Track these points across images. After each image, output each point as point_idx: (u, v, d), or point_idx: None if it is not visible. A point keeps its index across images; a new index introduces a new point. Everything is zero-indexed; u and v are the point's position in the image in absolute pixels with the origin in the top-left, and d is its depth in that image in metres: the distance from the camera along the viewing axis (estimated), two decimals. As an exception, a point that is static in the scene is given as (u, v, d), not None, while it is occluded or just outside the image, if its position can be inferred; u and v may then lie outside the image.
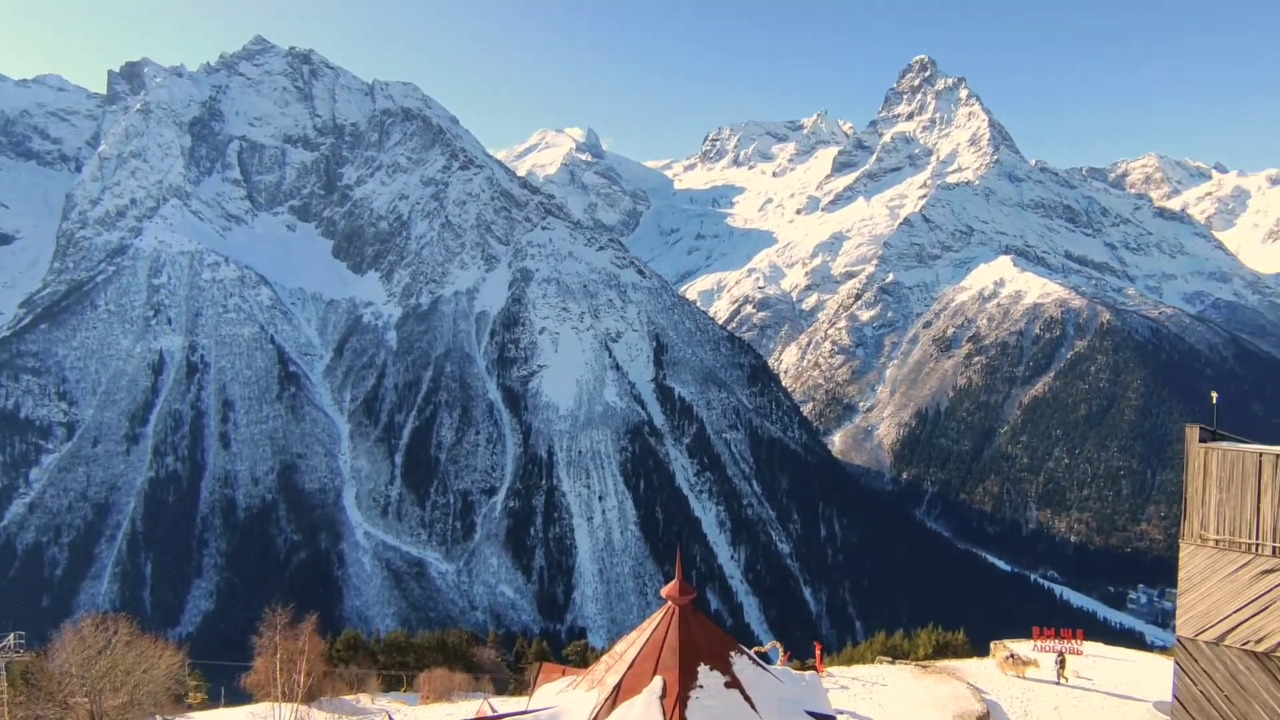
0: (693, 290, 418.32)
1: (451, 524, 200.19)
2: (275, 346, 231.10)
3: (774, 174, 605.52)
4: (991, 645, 37.78)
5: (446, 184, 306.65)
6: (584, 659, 55.50)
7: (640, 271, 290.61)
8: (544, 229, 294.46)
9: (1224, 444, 20.49)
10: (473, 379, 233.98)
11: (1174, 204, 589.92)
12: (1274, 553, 19.05)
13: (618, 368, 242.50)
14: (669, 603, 17.97)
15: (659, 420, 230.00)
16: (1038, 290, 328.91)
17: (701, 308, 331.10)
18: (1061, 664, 33.39)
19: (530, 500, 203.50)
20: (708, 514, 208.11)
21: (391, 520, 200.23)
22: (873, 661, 39.04)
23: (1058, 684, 32.78)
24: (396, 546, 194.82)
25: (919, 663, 37.37)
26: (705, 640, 17.69)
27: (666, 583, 18.12)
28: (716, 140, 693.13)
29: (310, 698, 35.72)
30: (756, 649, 31.17)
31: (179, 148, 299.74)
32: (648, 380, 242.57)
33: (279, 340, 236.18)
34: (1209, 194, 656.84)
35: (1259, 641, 19.08)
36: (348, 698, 40.67)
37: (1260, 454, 19.46)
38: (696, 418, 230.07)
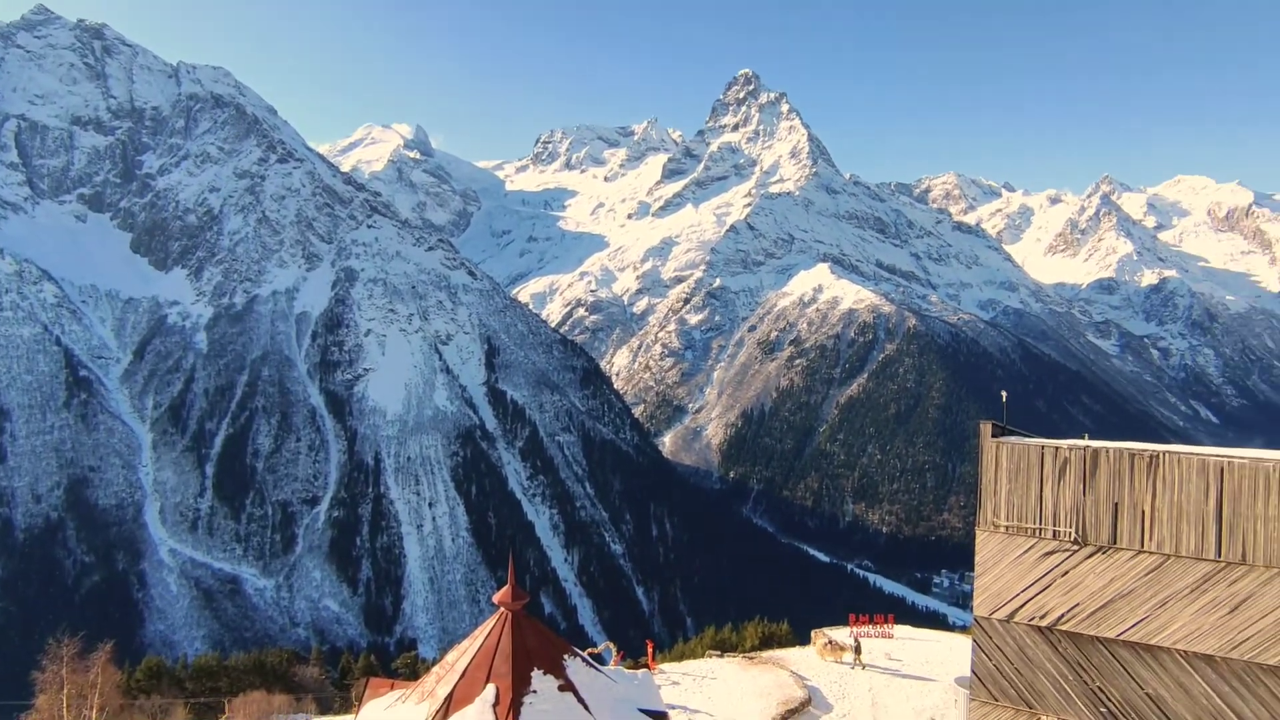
0: (525, 293, 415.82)
1: (270, 537, 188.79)
2: (62, 349, 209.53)
3: (606, 178, 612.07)
4: (812, 634, 39.65)
5: (263, 177, 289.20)
6: (414, 671, 53.88)
7: (471, 273, 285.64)
8: (370, 227, 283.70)
9: (1012, 438, 22.47)
10: (293, 383, 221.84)
11: (970, 219, 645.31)
12: (1054, 536, 21.06)
13: (448, 371, 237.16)
14: (502, 609, 17.78)
15: (491, 424, 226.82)
16: (852, 296, 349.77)
17: (534, 310, 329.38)
18: (857, 650, 35.43)
19: (356, 509, 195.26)
20: (541, 518, 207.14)
21: (202, 535, 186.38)
22: (703, 656, 40.04)
23: (853, 668, 34.78)
24: (207, 563, 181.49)
25: (746, 655, 38.68)
26: (538, 645, 17.62)
27: (499, 589, 17.94)
28: (549, 143, 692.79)
29: (105, 734, 32.57)
30: (590, 650, 31.31)
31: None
32: (479, 383, 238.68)
33: (66, 342, 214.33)
34: (999, 210, 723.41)
35: (1043, 617, 21.03)
36: (149, 731, 37.44)
37: (1042, 447, 21.49)
38: (529, 421, 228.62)
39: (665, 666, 36.96)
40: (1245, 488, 18.70)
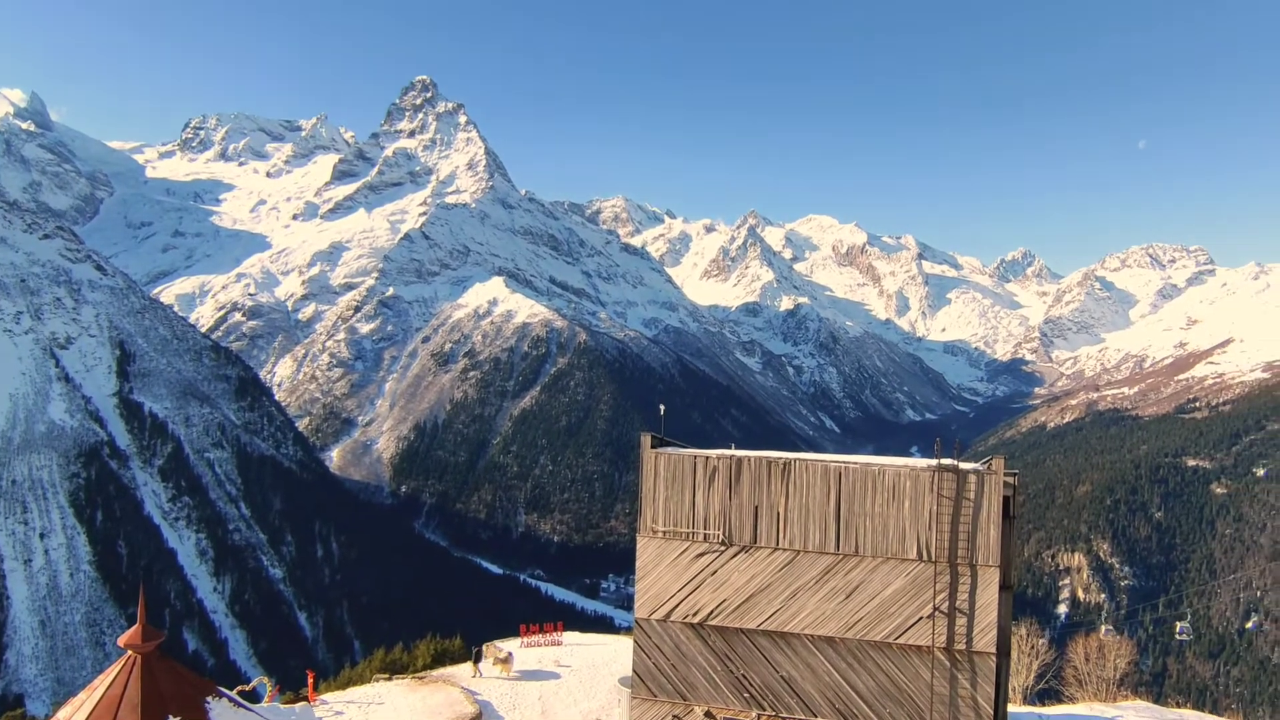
0: (169, 293, 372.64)
1: None
2: None
3: (269, 174, 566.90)
4: (484, 648, 39.64)
5: None
6: (14, 736, 45.77)
7: (100, 267, 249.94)
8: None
9: (669, 449, 24.24)
10: None
11: (637, 241, 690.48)
12: (705, 539, 23.04)
13: (68, 379, 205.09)
14: (130, 652, 15.74)
15: (123, 440, 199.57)
16: (527, 311, 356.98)
17: (180, 313, 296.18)
18: (476, 660, 36.32)
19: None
20: (185, 544, 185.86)
21: None
22: (370, 681, 38.29)
23: (474, 677, 35.60)
24: None
25: (416, 675, 37.66)
26: (175, 689, 15.84)
27: (131, 627, 15.86)
28: (201, 128, 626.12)
29: None
30: (240, 688, 28.57)
31: None
32: (109, 394, 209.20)
33: None
34: (662, 235, 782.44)
35: (695, 614, 22.85)
36: None
37: (695, 456, 23.44)
38: (172, 436, 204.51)
39: (328, 696, 34.84)
40: (858, 488, 21.83)
